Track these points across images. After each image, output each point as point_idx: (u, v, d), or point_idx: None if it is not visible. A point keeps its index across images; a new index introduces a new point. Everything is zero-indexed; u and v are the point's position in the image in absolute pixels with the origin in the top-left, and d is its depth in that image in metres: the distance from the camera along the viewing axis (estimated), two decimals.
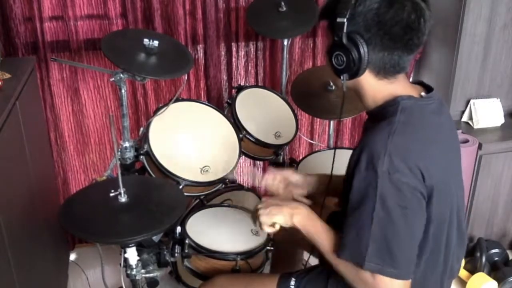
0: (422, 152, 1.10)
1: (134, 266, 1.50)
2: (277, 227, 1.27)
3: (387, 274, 1.08)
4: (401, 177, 1.05)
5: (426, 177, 1.08)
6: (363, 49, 1.09)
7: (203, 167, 1.86)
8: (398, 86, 1.17)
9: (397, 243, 1.07)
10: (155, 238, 1.71)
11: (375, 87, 1.17)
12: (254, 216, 1.31)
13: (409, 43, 1.11)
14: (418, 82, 1.25)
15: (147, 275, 1.54)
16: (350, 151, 1.21)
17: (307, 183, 1.50)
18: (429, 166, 1.08)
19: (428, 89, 1.22)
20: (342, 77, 1.15)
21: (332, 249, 1.19)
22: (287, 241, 1.69)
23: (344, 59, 1.11)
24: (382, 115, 1.15)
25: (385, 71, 1.14)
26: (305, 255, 1.83)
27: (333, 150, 2.24)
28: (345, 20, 1.08)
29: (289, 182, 1.51)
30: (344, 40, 1.10)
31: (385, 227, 1.06)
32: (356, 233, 1.10)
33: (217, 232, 1.75)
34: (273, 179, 1.51)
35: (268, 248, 1.70)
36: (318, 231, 1.23)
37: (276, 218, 1.27)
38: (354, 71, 1.13)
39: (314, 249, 1.47)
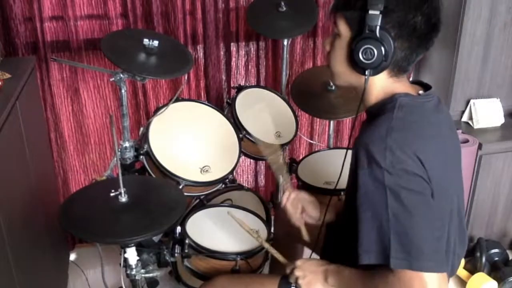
0: (421, 146, 1.10)
1: (134, 266, 1.50)
2: None
3: (417, 268, 1.02)
4: (406, 166, 1.04)
5: (427, 168, 1.07)
6: (393, 45, 1.09)
7: (203, 167, 1.86)
8: (400, 85, 1.18)
9: (419, 234, 1.03)
10: (155, 238, 1.71)
11: (383, 85, 1.17)
12: (293, 278, 1.34)
13: (430, 43, 1.13)
14: (417, 82, 1.25)
15: (147, 275, 1.54)
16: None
17: (317, 219, 1.51)
18: (428, 160, 1.08)
19: (426, 88, 1.23)
20: (367, 72, 1.13)
21: (358, 279, 1.18)
22: (287, 237, 1.69)
23: (375, 53, 1.08)
24: (379, 111, 1.15)
25: (399, 69, 1.15)
26: (305, 254, 1.82)
27: (332, 150, 2.28)
28: (379, 12, 1.06)
29: (304, 210, 1.51)
30: (378, 34, 1.08)
31: (402, 218, 1.03)
32: (375, 232, 1.06)
33: (217, 232, 1.75)
34: (295, 206, 1.51)
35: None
36: (346, 276, 1.23)
37: (316, 285, 1.28)
38: (382, 67, 1.11)
39: (315, 246, 1.48)
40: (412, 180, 1.05)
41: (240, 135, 1.99)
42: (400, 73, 1.16)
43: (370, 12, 1.07)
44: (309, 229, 1.53)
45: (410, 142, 1.08)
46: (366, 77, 1.14)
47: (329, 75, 1.25)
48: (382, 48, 1.08)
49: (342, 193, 1.78)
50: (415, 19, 1.08)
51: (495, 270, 2.33)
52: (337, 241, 1.39)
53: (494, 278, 2.26)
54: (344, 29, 1.15)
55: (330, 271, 1.26)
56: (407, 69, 1.16)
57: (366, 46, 1.09)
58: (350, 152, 1.29)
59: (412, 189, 1.05)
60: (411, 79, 2.67)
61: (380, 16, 1.06)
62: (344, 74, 1.20)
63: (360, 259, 1.08)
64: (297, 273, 1.31)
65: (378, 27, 1.07)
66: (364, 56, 1.10)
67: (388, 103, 1.15)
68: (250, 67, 2.52)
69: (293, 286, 1.37)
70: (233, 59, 2.47)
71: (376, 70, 1.12)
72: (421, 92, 1.20)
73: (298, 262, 1.33)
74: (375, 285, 1.13)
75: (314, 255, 1.52)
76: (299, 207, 1.50)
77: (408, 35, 1.09)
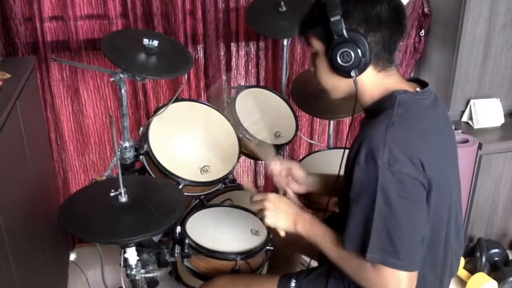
0: (421, 144, 1.11)
1: (134, 266, 1.50)
2: (282, 233, 1.30)
3: (389, 265, 1.08)
4: (402, 168, 1.06)
5: (426, 168, 1.09)
6: (366, 39, 1.12)
7: (203, 167, 1.86)
8: (394, 81, 1.19)
9: (399, 234, 1.08)
10: (155, 238, 1.71)
11: (374, 82, 1.18)
12: (259, 207, 1.31)
13: (402, 26, 1.16)
14: (413, 79, 1.27)
15: (147, 275, 1.54)
16: None
17: (306, 183, 1.51)
18: (428, 158, 1.09)
19: (422, 85, 1.24)
20: (353, 73, 1.15)
21: (333, 248, 1.20)
22: (285, 244, 1.69)
23: (352, 53, 1.12)
24: (379, 109, 1.16)
25: (383, 61, 1.16)
26: (305, 261, 1.83)
27: (332, 150, 2.28)
28: (340, 17, 1.10)
29: (291, 173, 1.50)
30: (347, 35, 1.11)
31: (386, 219, 1.07)
32: (359, 224, 1.10)
33: (217, 232, 1.75)
34: (280, 165, 1.50)
35: (268, 248, 1.70)
36: (319, 234, 1.24)
37: (280, 223, 1.29)
38: (363, 64, 1.14)
39: (313, 253, 1.47)
40: (405, 183, 1.07)
41: (240, 135, 1.99)
42: (386, 65, 1.18)
43: (332, 19, 1.11)
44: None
45: (410, 140, 1.10)
46: (354, 78, 1.16)
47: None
48: (356, 47, 1.11)
49: None
50: (376, 10, 1.12)
51: (495, 270, 2.33)
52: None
53: (494, 278, 2.26)
54: (317, 45, 1.19)
55: (301, 217, 1.28)
56: (391, 60, 1.18)
57: (341, 51, 1.13)
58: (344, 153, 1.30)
59: (403, 193, 1.07)
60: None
61: (342, 19, 1.11)
62: (335, 86, 1.23)
63: (344, 245, 1.14)
64: (266, 203, 1.29)
65: (344, 30, 1.11)
66: (343, 60, 1.14)
67: (387, 101, 1.16)
68: (250, 67, 2.52)
69: (292, 287, 1.37)
70: (233, 59, 2.47)
71: (360, 68, 1.15)
72: (418, 89, 1.21)
73: (271, 195, 1.31)
74: (345, 258, 1.17)
75: (313, 263, 1.52)
76: (283, 171, 1.50)
77: (376, 26, 1.12)
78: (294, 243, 1.53)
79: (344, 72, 1.16)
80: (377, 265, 1.10)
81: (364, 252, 1.09)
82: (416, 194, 1.09)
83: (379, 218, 1.07)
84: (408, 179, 1.07)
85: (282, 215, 1.29)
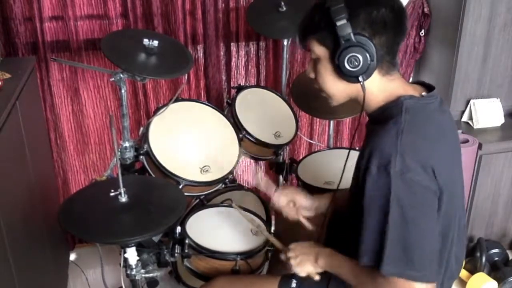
0: (431, 150, 1.10)
1: (134, 266, 1.50)
2: (316, 277, 1.35)
3: (406, 277, 1.05)
4: (414, 176, 1.04)
5: (437, 175, 1.07)
6: (373, 43, 1.10)
7: (203, 167, 1.86)
8: (398, 86, 1.18)
9: (415, 245, 1.05)
10: (155, 238, 1.71)
11: (379, 86, 1.17)
12: (285, 257, 1.39)
13: (404, 27, 1.14)
14: (418, 82, 1.25)
15: (147, 275, 1.54)
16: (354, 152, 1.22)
17: (315, 207, 1.52)
18: (438, 165, 1.08)
19: (428, 88, 1.22)
20: (361, 78, 1.13)
21: (352, 273, 1.21)
22: (285, 243, 1.69)
23: (361, 58, 1.10)
24: (385, 116, 1.15)
25: (387, 64, 1.15)
26: None
27: (332, 150, 2.28)
28: (346, 21, 1.08)
29: (298, 204, 1.52)
30: (354, 39, 1.09)
31: (402, 229, 1.05)
32: (373, 237, 1.08)
33: (217, 232, 1.75)
34: (285, 200, 1.53)
35: (268, 248, 1.70)
36: (338, 263, 1.26)
37: (307, 267, 1.32)
38: (371, 67, 1.12)
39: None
40: (418, 192, 1.06)
41: (240, 135, 1.99)
42: (390, 68, 1.16)
43: (338, 24, 1.09)
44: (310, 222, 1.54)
45: (421, 147, 1.09)
46: (362, 83, 1.14)
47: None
48: (364, 51, 1.10)
49: None
50: (381, 13, 1.10)
51: (495, 270, 2.33)
52: (338, 237, 1.39)
53: (494, 278, 2.27)
54: (320, 50, 1.17)
55: (321, 253, 1.30)
56: (394, 62, 1.17)
57: (349, 56, 1.10)
58: (352, 153, 1.29)
59: (417, 201, 1.06)
60: (411, 79, 2.69)
61: (349, 23, 1.08)
62: (339, 91, 1.21)
63: (360, 260, 1.11)
64: (290, 254, 1.35)
65: (352, 34, 1.09)
66: (351, 65, 1.11)
67: (393, 107, 1.15)
68: (250, 67, 2.52)
69: (293, 287, 1.37)
70: (233, 59, 2.47)
71: (368, 72, 1.13)
72: (424, 93, 1.19)
73: (292, 245, 1.38)
74: (363, 280, 1.17)
75: None
76: (290, 202, 1.53)
77: (382, 29, 1.11)
78: (296, 234, 1.53)
79: (351, 77, 1.14)
80: (391, 279, 1.07)
81: (380, 266, 1.06)
82: (429, 203, 1.08)
83: (394, 229, 1.05)
84: (420, 188, 1.05)
85: (304, 259, 1.32)
